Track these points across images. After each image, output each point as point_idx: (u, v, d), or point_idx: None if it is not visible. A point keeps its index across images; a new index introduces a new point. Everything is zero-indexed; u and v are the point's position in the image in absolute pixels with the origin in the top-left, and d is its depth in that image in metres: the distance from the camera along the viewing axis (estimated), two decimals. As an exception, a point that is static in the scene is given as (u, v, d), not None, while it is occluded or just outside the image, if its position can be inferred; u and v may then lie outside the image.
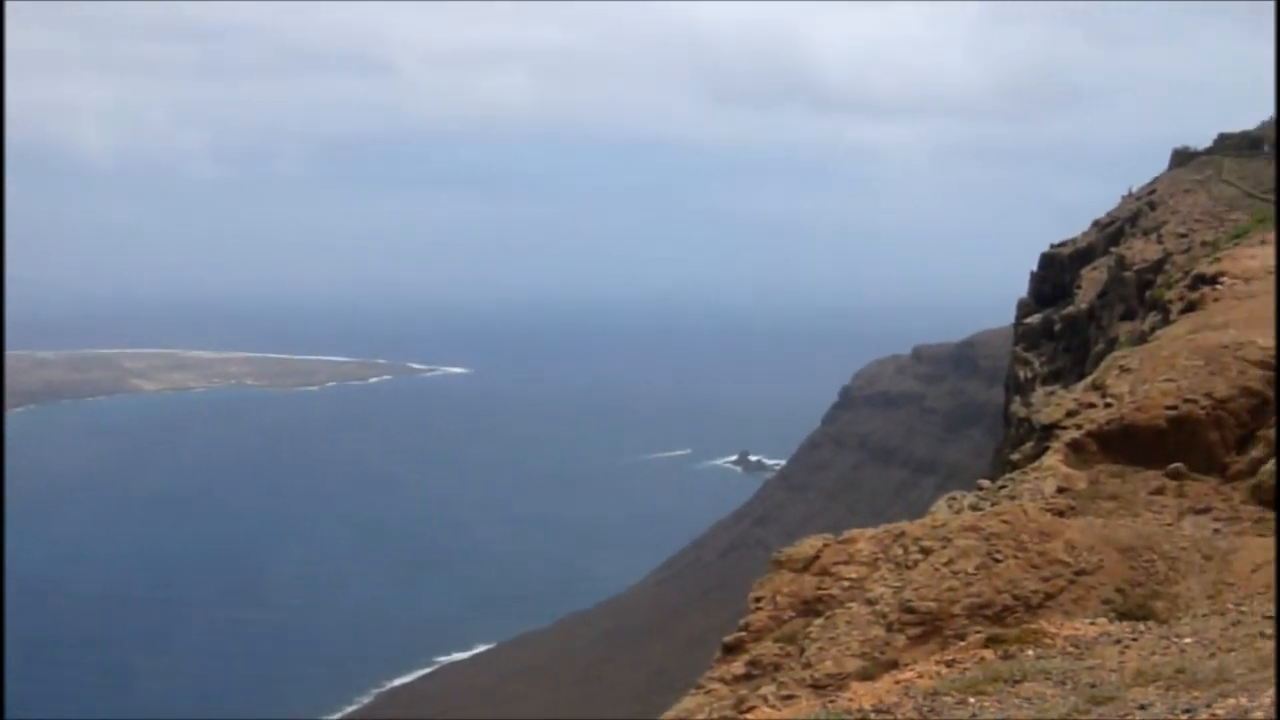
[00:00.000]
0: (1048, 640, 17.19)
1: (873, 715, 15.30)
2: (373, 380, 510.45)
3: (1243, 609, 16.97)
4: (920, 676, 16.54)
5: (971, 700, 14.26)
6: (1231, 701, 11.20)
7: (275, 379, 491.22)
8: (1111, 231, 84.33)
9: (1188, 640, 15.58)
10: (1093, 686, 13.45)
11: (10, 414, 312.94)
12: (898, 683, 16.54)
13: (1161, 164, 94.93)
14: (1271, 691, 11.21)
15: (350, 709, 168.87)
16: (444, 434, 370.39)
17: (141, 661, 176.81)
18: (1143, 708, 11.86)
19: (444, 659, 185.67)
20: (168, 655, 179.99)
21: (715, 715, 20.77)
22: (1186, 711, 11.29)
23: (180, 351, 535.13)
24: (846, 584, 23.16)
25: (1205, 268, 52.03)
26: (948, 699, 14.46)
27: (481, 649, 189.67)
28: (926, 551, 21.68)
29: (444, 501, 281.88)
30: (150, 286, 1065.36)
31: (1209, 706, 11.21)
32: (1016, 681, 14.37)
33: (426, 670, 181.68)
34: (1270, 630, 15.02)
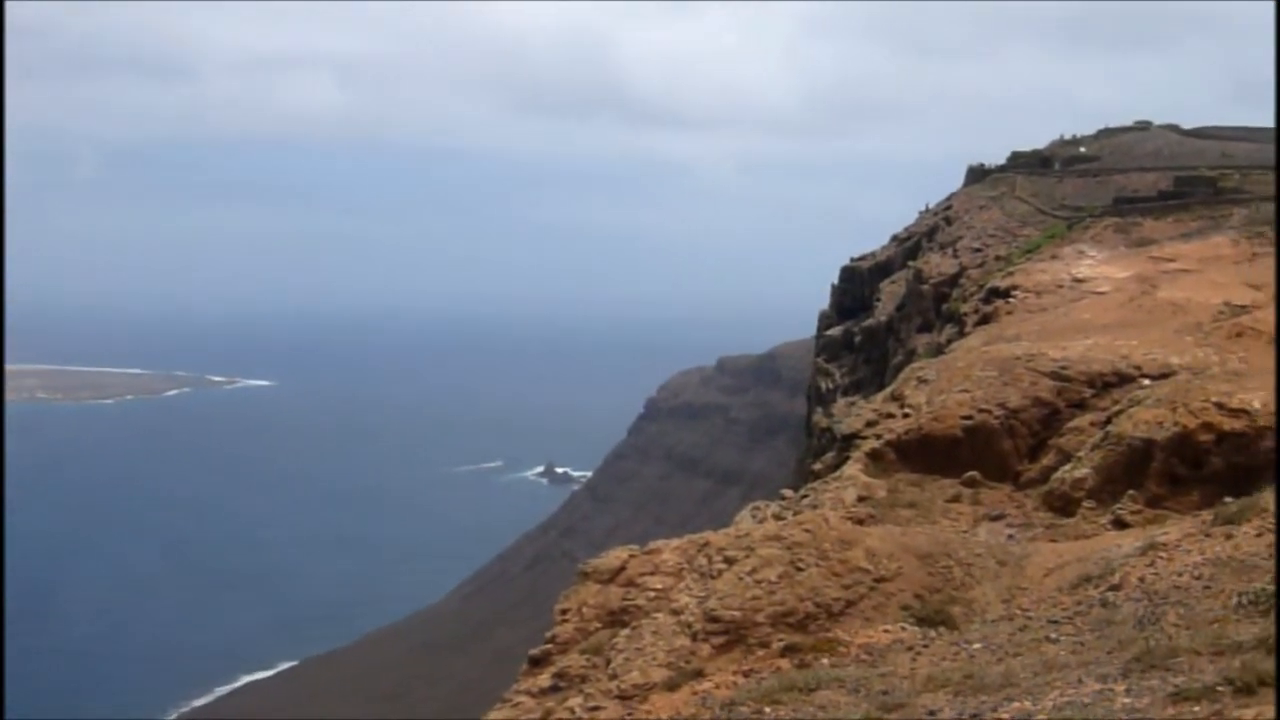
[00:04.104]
0: (843, 648, 17.49)
1: (670, 726, 15.39)
2: (170, 393, 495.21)
3: (1030, 614, 17.42)
4: (718, 686, 16.70)
5: (767, 709, 14.41)
6: (1016, 705, 11.46)
7: (68, 392, 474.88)
8: (909, 246, 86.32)
9: (976, 645, 15.94)
10: (884, 693, 13.67)
11: None
12: (695, 693, 16.66)
13: (959, 180, 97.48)
14: (1054, 694, 11.52)
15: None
16: (246, 449, 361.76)
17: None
18: (932, 713, 12.07)
19: (247, 678, 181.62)
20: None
21: (520, 729, 20.64)
22: (974, 716, 11.52)
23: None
24: (652, 594, 23.23)
25: (998, 281, 53.76)
26: (744, 709, 14.59)
27: (285, 666, 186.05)
28: (731, 561, 21.84)
29: (246, 518, 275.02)
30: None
31: (995, 711, 11.45)
32: (811, 690, 14.55)
33: (228, 689, 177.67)
34: (1055, 634, 15.47)
